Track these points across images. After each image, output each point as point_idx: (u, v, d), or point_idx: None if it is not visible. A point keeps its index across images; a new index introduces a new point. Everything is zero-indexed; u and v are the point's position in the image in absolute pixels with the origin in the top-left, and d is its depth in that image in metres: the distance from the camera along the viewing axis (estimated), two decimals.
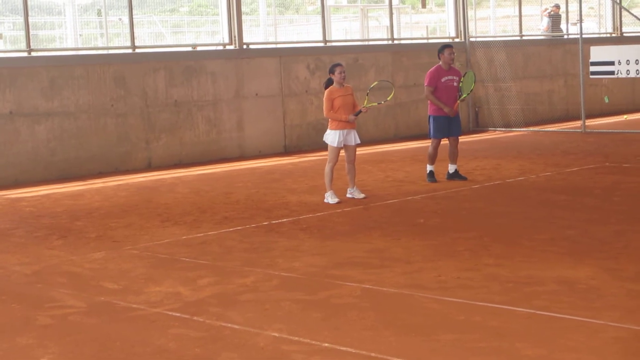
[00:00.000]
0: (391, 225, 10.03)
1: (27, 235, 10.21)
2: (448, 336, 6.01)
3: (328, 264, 8.23)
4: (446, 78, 12.89)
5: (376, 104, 12.30)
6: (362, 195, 11.79)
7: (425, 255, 8.48)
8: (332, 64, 11.85)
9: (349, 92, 11.66)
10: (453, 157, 13.10)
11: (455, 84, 12.92)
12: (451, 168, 13.15)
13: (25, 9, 15.13)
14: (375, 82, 12.68)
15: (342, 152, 11.74)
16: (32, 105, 14.84)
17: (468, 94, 13.21)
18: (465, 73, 13.24)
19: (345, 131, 11.55)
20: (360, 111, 11.63)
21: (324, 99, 11.62)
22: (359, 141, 11.76)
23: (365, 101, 11.82)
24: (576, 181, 12.83)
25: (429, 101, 13.06)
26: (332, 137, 11.59)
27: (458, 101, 12.94)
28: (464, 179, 13.05)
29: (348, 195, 11.84)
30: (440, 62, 12.99)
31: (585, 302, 6.66)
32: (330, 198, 11.58)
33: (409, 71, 20.13)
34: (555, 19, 24.48)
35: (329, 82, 11.65)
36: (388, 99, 12.48)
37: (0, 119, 14.52)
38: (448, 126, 12.94)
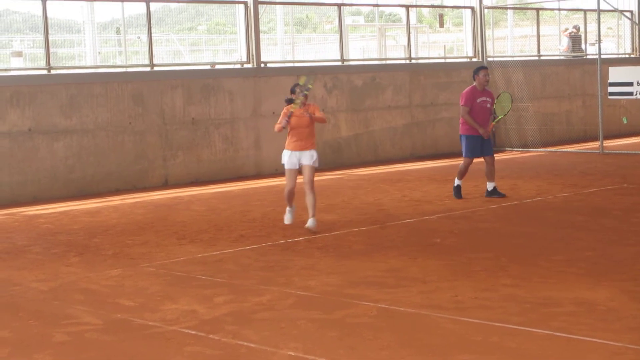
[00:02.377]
0: (407, 245, 10.01)
1: (45, 252, 10.23)
2: (465, 357, 5.98)
3: (344, 283, 8.20)
4: (481, 99, 12.98)
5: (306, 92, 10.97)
6: (313, 227, 10.82)
7: (441, 275, 8.45)
8: (295, 84, 11.08)
9: (305, 120, 10.87)
10: (490, 176, 13.18)
11: (488, 105, 13.03)
12: (489, 186, 13.20)
13: (45, 27, 15.23)
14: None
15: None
16: (51, 122, 14.92)
17: (504, 115, 13.29)
18: (500, 94, 13.30)
19: (298, 152, 10.95)
20: (290, 115, 10.81)
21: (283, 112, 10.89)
22: (316, 162, 11.07)
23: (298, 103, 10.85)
24: (594, 202, 12.77)
25: (461, 120, 13.10)
26: (284, 156, 11.03)
27: (493, 123, 13.01)
28: (502, 195, 13.13)
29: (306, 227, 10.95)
30: (475, 83, 13.05)
31: (604, 324, 6.62)
32: (286, 216, 11.31)
33: (426, 90, 20.13)
34: (575, 39, 24.47)
35: (290, 102, 10.96)
36: (310, 86, 11.11)
37: (19, 136, 14.59)
38: (480, 146, 13.00)
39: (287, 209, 11.38)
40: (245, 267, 9.07)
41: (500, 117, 13.20)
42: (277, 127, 10.95)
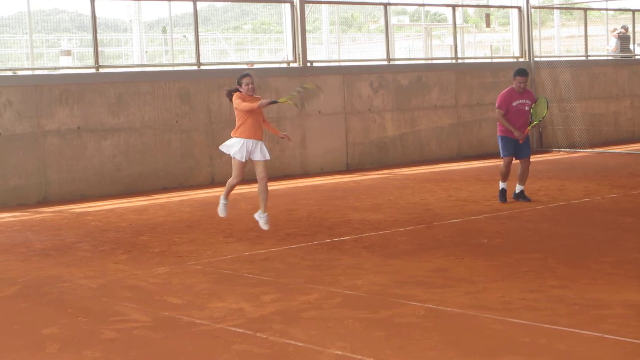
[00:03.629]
0: (454, 245, 9.96)
1: (93, 250, 10.34)
2: (513, 358, 5.93)
3: (391, 283, 8.19)
4: (518, 102, 12.71)
5: (285, 101, 10.68)
6: (266, 227, 10.82)
7: (489, 275, 8.40)
8: (241, 74, 10.55)
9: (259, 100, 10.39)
10: (522, 178, 12.98)
11: (527, 108, 12.73)
12: (518, 188, 13.03)
13: (94, 27, 15.39)
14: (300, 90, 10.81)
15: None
16: (99, 121, 15.07)
17: (540, 121, 13.07)
18: (537, 99, 13.09)
19: (251, 141, 10.49)
20: (275, 101, 10.65)
21: (235, 99, 10.37)
22: (268, 157, 10.71)
23: (287, 97, 10.64)
24: None
25: (498, 121, 12.94)
26: (235, 147, 10.48)
27: (529, 127, 12.82)
28: (528, 200, 12.92)
29: (255, 216, 10.99)
30: (514, 85, 12.83)
31: None
32: (220, 208, 11.03)
33: (472, 90, 20.04)
34: (624, 40, 24.22)
35: (232, 93, 10.49)
36: (306, 86, 10.79)
37: (68, 134, 14.76)
38: (515, 146, 12.82)
39: (224, 201, 11.00)
40: (291, 266, 9.08)
41: (535, 122, 12.96)
42: (256, 104, 10.26)
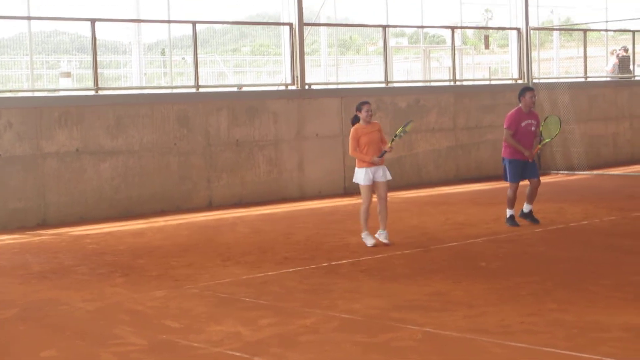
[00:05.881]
0: (452, 268, 9.95)
1: (91, 272, 10.32)
2: None
3: (388, 306, 8.17)
4: (526, 122, 12.70)
5: (392, 139, 11.67)
6: (386, 241, 11.46)
7: (487, 299, 8.38)
8: (360, 102, 11.61)
9: (376, 128, 11.49)
10: (531, 198, 12.92)
11: (533, 128, 12.74)
12: (526, 207, 12.96)
13: (94, 49, 15.41)
14: (404, 127, 11.96)
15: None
16: (98, 143, 15.08)
17: (551, 139, 13.06)
18: (547, 117, 13.11)
19: (372, 168, 11.38)
20: (385, 152, 11.43)
21: (350, 137, 11.47)
22: (389, 177, 11.53)
23: (390, 142, 11.58)
24: None
25: (504, 144, 12.89)
26: (360, 175, 11.44)
27: (539, 145, 12.82)
28: (537, 222, 12.88)
29: (376, 235, 11.59)
30: (521, 105, 12.79)
31: None
32: (366, 239, 11.49)
33: (470, 112, 20.06)
34: (623, 61, 24.31)
35: (356, 119, 11.53)
36: (407, 129, 11.88)
37: (67, 156, 14.77)
38: (523, 169, 12.79)
39: (367, 232, 11.54)
40: (289, 290, 9.07)
41: (546, 140, 12.97)
42: (369, 158, 11.32)
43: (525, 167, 12.76)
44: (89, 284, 9.67)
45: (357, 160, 11.50)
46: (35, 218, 14.49)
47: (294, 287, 9.20)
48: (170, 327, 7.70)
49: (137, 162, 15.48)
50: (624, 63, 24.38)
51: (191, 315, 8.07)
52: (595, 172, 20.35)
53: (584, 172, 20.33)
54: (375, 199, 11.61)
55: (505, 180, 12.93)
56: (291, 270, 10.08)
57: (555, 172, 20.59)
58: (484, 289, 8.81)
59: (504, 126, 12.80)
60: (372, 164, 11.34)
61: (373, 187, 11.49)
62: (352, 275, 9.72)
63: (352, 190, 17.92)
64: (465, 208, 14.98)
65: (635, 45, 24.50)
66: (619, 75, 24.11)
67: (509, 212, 12.87)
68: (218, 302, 8.58)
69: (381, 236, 11.50)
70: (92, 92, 15.62)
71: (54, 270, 10.52)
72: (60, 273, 10.32)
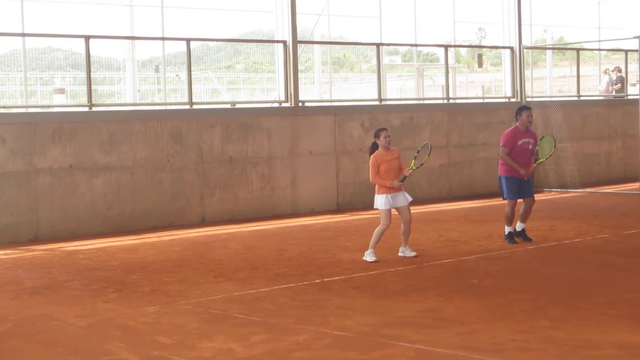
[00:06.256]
0: (445, 286, 9.95)
1: (83, 288, 10.30)
2: None
3: (381, 323, 8.16)
4: (523, 140, 12.76)
5: (415, 168, 11.87)
6: (413, 254, 11.80)
7: (479, 316, 8.38)
8: (378, 128, 11.96)
9: (395, 155, 11.73)
10: (525, 217, 12.99)
11: (530, 147, 12.79)
12: (519, 226, 13.01)
13: (87, 65, 15.43)
14: (421, 146, 12.34)
15: (395, 212, 11.74)
16: (91, 159, 15.07)
17: (546, 159, 13.09)
18: (543, 137, 13.16)
19: (392, 194, 11.60)
20: (405, 176, 11.67)
21: (370, 163, 11.69)
22: (410, 199, 11.80)
23: (412, 163, 11.81)
24: (635, 243, 12.64)
25: (500, 161, 12.94)
26: (379, 200, 11.67)
27: (534, 164, 12.85)
28: (529, 240, 12.92)
29: (400, 254, 11.84)
30: (518, 124, 12.87)
31: None
32: (368, 256, 11.61)
33: (464, 130, 20.11)
34: (618, 81, 24.46)
35: (374, 147, 11.73)
36: (423, 162, 12.06)
37: (60, 172, 14.76)
38: (519, 187, 12.82)
39: (372, 250, 11.72)
40: (281, 306, 9.06)
41: (541, 160, 13.00)
42: (390, 183, 11.55)
43: (521, 185, 12.79)
44: (82, 299, 9.65)
45: (376, 187, 11.69)
46: (28, 233, 14.47)
47: (286, 303, 9.19)
48: (163, 343, 7.68)
49: (130, 178, 15.47)
50: (619, 83, 24.57)
51: (183, 332, 8.06)
52: (588, 190, 20.39)
53: (577, 190, 20.37)
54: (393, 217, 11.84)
55: (504, 197, 12.95)
56: (283, 286, 10.08)
57: (549, 189, 20.62)
58: (476, 306, 8.81)
59: (500, 144, 12.84)
60: (391, 189, 11.54)
61: (395, 210, 11.72)
62: (344, 291, 9.71)
63: (345, 207, 17.94)
64: (458, 225, 14.99)
65: (628, 65, 24.60)
66: (613, 95, 24.20)
67: (507, 229, 12.90)
68: (210, 319, 8.57)
69: (407, 251, 11.83)
70: (86, 109, 15.61)
71: (46, 285, 10.50)
72: (53, 288, 10.30)
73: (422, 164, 11.95)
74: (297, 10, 17.67)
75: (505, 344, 7.31)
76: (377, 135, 11.71)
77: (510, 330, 7.74)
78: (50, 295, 9.93)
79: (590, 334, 7.53)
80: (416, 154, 11.98)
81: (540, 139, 13.09)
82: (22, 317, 8.88)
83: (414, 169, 11.78)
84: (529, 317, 8.23)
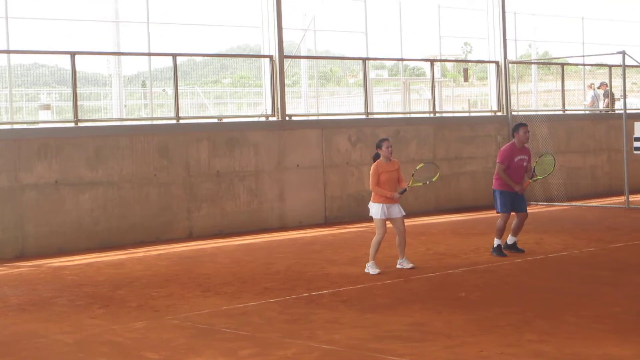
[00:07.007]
0: (432, 299, 9.96)
1: (69, 304, 10.25)
2: None
3: (369, 337, 8.16)
4: (519, 157, 12.87)
5: (421, 184, 12.21)
6: (410, 265, 11.92)
7: (466, 329, 8.39)
8: (380, 138, 12.08)
9: (395, 167, 11.83)
10: (517, 230, 13.10)
11: (525, 163, 12.91)
12: (510, 240, 13.09)
13: (73, 81, 15.41)
14: (421, 164, 12.60)
15: (389, 224, 11.80)
16: (77, 174, 15.03)
17: (544, 177, 13.17)
18: (542, 155, 13.25)
19: (387, 205, 11.68)
20: (405, 189, 11.79)
21: (370, 172, 11.77)
22: (403, 213, 11.88)
23: (411, 181, 11.91)
24: (621, 257, 12.68)
25: (495, 175, 13.02)
26: (375, 209, 11.74)
27: (530, 181, 12.92)
28: (522, 251, 13.04)
29: (398, 267, 11.93)
30: (515, 141, 12.95)
31: None
32: (371, 268, 11.67)
33: (450, 144, 20.16)
34: (605, 96, 24.66)
35: (377, 156, 11.83)
36: (433, 179, 12.41)
37: (46, 188, 14.71)
38: (512, 201, 12.89)
39: (374, 262, 11.80)
40: (269, 320, 9.05)
41: (538, 177, 13.09)
42: (390, 194, 11.64)
43: (514, 199, 12.87)
44: (68, 315, 9.61)
45: (373, 195, 11.77)
46: (14, 250, 14.40)
47: (274, 317, 9.18)
48: (150, 358, 7.65)
49: (117, 193, 15.43)
50: (605, 97, 24.78)
51: (171, 347, 8.03)
52: (574, 203, 20.46)
53: (563, 204, 20.43)
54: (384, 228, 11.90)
55: (497, 211, 13.02)
56: (271, 300, 10.06)
57: (535, 203, 20.67)
58: (463, 319, 8.82)
59: (497, 161, 12.96)
60: (388, 199, 11.65)
61: (389, 221, 11.83)
62: (332, 305, 9.71)
63: (332, 220, 17.94)
64: (445, 238, 15.01)
65: (613, 80, 24.74)
66: (598, 109, 24.33)
67: (496, 242, 12.95)
68: (198, 333, 8.55)
69: (404, 263, 11.95)
70: (72, 124, 15.56)
71: (32, 302, 10.45)
72: (39, 305, 10.25)
73: (427, 183, 12.30)
74: (284, 25, 17.71)
75: (492, 357, 7.31)
76: (379, 146, 11.83)
77: (497, 344, 7.74)
78: (37, 312, 9.88)
79: (578, 347, 7.55)
80: (414, 172, 12.09)
81: (539, 157, 13.20)
82: (7, 334, 8.83)
83: (414, 186, 11.92)
84: (517, 331, 8.25)
